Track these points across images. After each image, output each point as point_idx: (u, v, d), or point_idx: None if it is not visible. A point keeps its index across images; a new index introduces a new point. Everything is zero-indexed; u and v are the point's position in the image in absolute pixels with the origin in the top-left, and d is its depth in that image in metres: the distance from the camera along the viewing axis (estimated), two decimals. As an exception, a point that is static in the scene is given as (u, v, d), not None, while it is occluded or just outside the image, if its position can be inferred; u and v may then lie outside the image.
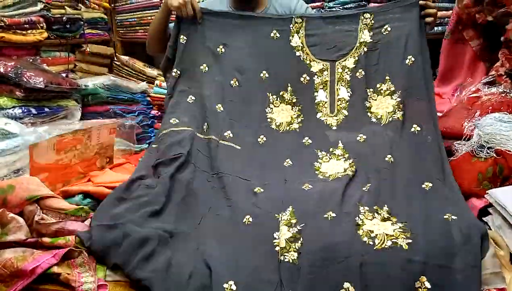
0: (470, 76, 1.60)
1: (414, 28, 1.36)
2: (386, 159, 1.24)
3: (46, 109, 1.64)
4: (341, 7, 2.22)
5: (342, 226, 0.97)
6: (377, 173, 1.20)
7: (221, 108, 1.42)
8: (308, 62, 1.43)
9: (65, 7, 2.08)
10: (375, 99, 1.38)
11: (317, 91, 1.42)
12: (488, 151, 1.20)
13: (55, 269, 0.96)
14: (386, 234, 0.94)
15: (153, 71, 2.56)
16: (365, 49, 1.40)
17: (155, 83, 2.40)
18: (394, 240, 0.91)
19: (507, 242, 0.96)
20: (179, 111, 1.41)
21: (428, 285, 0.83)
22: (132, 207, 1.10)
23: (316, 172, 1.26)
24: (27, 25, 1.82)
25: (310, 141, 1.37)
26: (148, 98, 2.28)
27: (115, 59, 2.58)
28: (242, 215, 1.09)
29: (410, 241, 0.91)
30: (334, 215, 1.01)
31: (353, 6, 2.19)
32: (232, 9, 1.61)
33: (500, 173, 1.11)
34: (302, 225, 0.99)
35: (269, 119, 1.41)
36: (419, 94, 1.33)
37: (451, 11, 2.01)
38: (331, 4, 2.23)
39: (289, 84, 1.43)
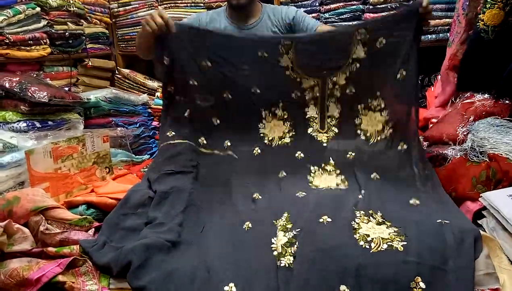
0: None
1: (409, 40, 1.31)
2: (372, 176, 1.29)
3: (50, 123, 1.67)
4: (336, 18, 2.27)
5: (339, 230, 0.99)
6: (367, 189, 1.23)
7: (217, 121, 1.44)
8: (298, 79, 1.43)
9: (68, 23, 2.13)
10: (366, 115, 1.39)
11: (308, 107, 1.44)
12: (482, 155, 1.22)
13: (60, 278, 0.98)
14: (382, 238, 0.95)
15: (153, 83, 2.60)
16: (358, 65, 1.37)
17: (155, 95, 2.44)
18: (389, 243, 0.93)
19: (501, 243, 0.98)
20: (175, 124, 1.43)
21: (422, 285, 0.85)
22: (136, 221, 1.14)
23: (309, 184, 1.31)
24: (31, 41, 1.87)
25: (302, 155, 1.41)
26: (149, 110, 2.32)
27: (117, 72, 2.63)
28: (242, 221, 1.12)
29: (404, 243, 0.93)
30: (329, 220, 1.03)
31: (348, 16, 2.24)
32: (228, 19, 1.66)
33: (493, 176, 1.13)
34: (297, 230, 1.01)
35: (261, 134, 1.44)
36: (407, 109, 1.32)
37: (444, 20, 2.06)
38: (326, 15, 2.28)
39: (280, 101, 1.44)
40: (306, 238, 0.98)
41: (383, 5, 2.16)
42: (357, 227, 1.01)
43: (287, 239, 0.99)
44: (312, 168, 1.36)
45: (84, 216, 1.16)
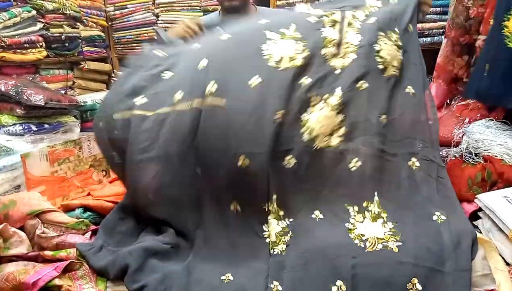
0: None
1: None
2: (381, 119, 1.13)
3: (46, 126, 1.67)
4: None
5: (333, 229, 1.00)
6: (368, 146, 1.11)
7: (204, 65, 1.15)
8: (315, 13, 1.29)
9: (64, 26, 2.13)
10: (386, 43, 1.24)
11: (325, 28, 1.22)
12: (477, 157, 1.23)
13: (57, 282, 0.97)
14: (377, 238, 0.96)
15: (150, 87, 2.60)
16: (376, 8, 1.32)
17: (152, 98, 2.44)
18: (384, 244, 0.94)
19: (496, 244, 0.98)
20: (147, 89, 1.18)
21: (419, 287, 0.85)
22: (133, 225, 1.15)
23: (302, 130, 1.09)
24: (27, 45, 1.87)
25: (308, 81, 1.14)
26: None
27: (113, 75, 2.63)
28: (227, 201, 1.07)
29: (400, 244, 0.94)
30: (321, 216, 1.03)
31: None
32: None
33: (488, 177, 1.14)
34: (291, 220, 1.03)
35: (266, 57, 1.14)
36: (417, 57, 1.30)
37: (439, 23, 2.08)
38: None
39: (292, 23, 1.22)
40: (300, 230, 1.00)
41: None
42: (352, 228, 1.01)
43: (281, 228, 1.00)
44: (313, 98, 1.12)
45: (80, 219, 1.16)
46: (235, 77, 1.08)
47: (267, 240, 0.99)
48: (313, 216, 1.03)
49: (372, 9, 1.32)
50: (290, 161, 1.05)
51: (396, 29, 1.28)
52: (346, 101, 1.12)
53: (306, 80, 1.12)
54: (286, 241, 0.96)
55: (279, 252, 0.95)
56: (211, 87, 1.06)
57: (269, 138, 1.01)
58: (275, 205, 1.04)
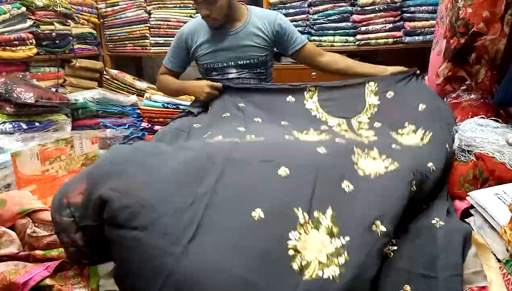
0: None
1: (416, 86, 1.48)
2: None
3: (37, 124, 1.65)
4: (325, 19, 2.29)
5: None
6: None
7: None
8: (324, 119, 1.49)
9: (54, 23, 2.10)
10: (401, 135, 1.35)
11: (339, 134, 1.36)
12: (469, 154, 1.24)
13: (48, 282, 0.96)
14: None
15: (142, 84, 2.58)
16: (376, 109, 1.47)
17: (144, 96, 2.42)
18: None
19: (488, 241, 0.99)
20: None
21: None
22: None
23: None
24: (17, 42, 1.84)
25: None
26: (138, 111, 2.30)
27: (105, 73, 2.61)
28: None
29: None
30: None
31: (337, 18, 2.26)
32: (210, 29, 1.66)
33: (480, 175, 1.15)
34: (347, 239, 0.88)
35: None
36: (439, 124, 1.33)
37: (430, 21, 2.10)
38: (315, 16, 2.29)
39: (311, 127, 1.40)
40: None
41: (371, 7, 2.18)
42: None
43: (334, 248, 0.87)
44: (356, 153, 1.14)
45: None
46: None
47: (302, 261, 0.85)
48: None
49: (372, 109, 1.48)
50: None
51: (406, 123, 1.37)
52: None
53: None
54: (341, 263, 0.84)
55: (331, 277, 0.81)
56: None
57: None
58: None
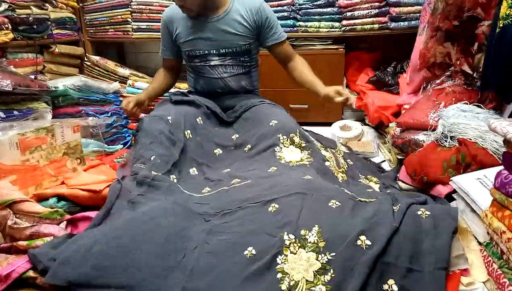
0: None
1: None
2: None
3: (16, 112, 1.59)
4: (311, 4, 2.26)
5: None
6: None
7: (220, 152, 1.50)
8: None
9: (31, 7, 2.02)
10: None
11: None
12: (452, 140, 1.26)
13: (31, 273, 0.94)
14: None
15: (125, 71, 2.52)
16: (346, 153, 1.71)
17: (127, 83, 2.37)
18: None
19: (469, 224, 1.02)
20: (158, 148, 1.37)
21: (395, 288, 0.84)
22: None
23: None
24: (-9, 26, 1.77)
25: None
26: (121, 99, 2.24)
27: (86, 59, 2.53)
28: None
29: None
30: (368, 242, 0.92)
31: (322, 3, 2.24)
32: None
33: (462, 160, 1.17)
34: (332, 254, 0.90)
35: (278, 157, 1.37)
36: None
37: (416, 7, 2.09)
38: (301, 1, 2.27)
39: (298, 131, 1.46)
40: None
41: (357, -8, 2.17)
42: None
43: (321, 264, 0.89)
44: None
45: (55, 209, 1.12)
46: None
47: (289, 282, 0.88)
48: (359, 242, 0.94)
49: (342, 152, 1.64)
50: None
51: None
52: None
53: None
54: (326, 281, 0.87)
55: None
56: None
57: None
58: None
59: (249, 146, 1.45)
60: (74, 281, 0.88)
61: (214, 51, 1.65)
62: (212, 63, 1.67)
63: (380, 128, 2.04)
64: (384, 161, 1.76)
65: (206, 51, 1.65)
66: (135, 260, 0.91)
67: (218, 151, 1.49)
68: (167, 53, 1.77)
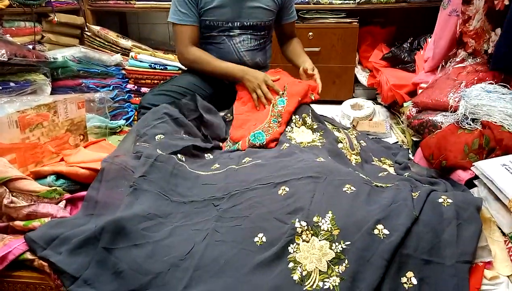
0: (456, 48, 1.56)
1: None
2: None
3: (12, 84, 1.52)
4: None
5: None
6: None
7: None
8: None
9: (28, -29, 1.91)
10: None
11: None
12: (474, 122, 1.18)
13: (28, 255, 0.90)
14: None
15: (127, 42, 2.42)
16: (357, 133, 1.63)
17: (130, 55, 2.27)
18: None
19: (492, 214, 0.95)
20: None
21: (414, 281, 0.79)
22: None
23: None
24: (-15, -8, 1.67)
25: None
26: (123, 72, 2.16)
27: (86, 29, 2.43)
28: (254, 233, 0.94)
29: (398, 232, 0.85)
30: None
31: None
32: None
33: (486, 144, 1.10)
34: (347, 243, 0.85)
35: (288, 137, 1.30)
36: None
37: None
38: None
39: (310, 111, 1.40)
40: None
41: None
42: None
43: (334, 254, 0.84)
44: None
45: (53, 188, 1.07)
46: None
47: (302, 272, 0.84)
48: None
49: (355, 133, 1.56)
50: None
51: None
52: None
53: None
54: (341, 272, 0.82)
55: (331, 287, 0.80)
56: None
57: None
58: None
59: None
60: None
61: (238, 24, 1.57)
62: (231, 33, 1.59)
63: (393, 107, 1.96)
64: (397, 142, 1.68)
65: (230, 23, 1.57)
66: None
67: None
68: (192, 20, 1.53)
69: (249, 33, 1.60)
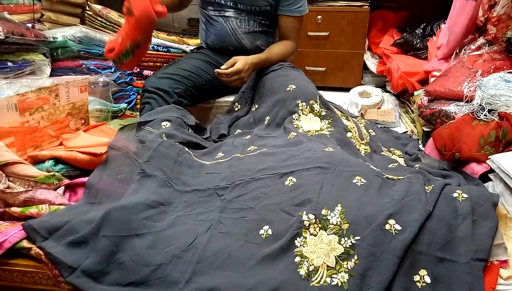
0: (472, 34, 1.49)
1: None
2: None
3: (10, 64, 1.46)
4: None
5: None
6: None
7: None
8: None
9: None
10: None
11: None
12: (490, 113, 1.13)
13: (25, 243, 0.87)
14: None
15: (130, 23, 2.35)
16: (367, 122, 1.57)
17: (132, 36, 2.21)
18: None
19: (509, 209, 0.91)
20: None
21: (428, 279, 0.75)
22: None
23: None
24: (-18, -33, 1.60)
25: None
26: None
27: (87, 8, 2.35)
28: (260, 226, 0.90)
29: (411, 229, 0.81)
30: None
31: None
32: None
33: (503, 137, 1.05)
34: (357, 238, 0.81)
35: (295, 125, 1.25)
36: None
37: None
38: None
39: (318, 97, 1.33)
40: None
41: None
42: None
43: (343, 249, 0.81)
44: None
45: (51, 173, 1.03)
46: None
47: (309, 267, 0.80)
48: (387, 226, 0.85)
49: (364, 122, 1.50)
50: None
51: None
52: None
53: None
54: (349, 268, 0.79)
55: (339, 284, 0.77)
56: None
57: None
58: None
59: (268, 118, 1.35)
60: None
61: (231, 3, 1.50)
62: (227, 14, 1.53)
63: (402, 96, 1.90)
64: (406, 131, 1.63)
65: (222, 0, 1.50)
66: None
67: (238, 130, 1.39)
68: None
69: (245, 14, 1.53)
